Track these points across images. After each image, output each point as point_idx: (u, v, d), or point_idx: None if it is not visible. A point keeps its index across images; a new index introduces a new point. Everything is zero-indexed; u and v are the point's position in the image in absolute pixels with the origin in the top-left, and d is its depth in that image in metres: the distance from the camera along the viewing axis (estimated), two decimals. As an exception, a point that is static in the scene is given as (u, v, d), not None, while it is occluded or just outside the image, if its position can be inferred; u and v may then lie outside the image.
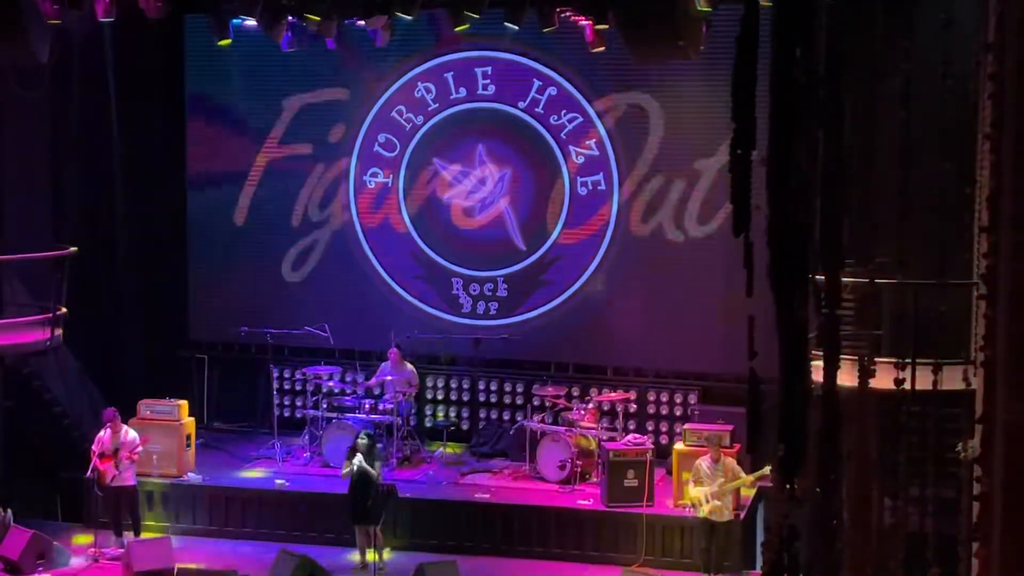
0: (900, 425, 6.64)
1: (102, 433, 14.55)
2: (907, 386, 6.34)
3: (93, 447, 14.46)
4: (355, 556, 14.28)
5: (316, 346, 17.33)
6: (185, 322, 18.41)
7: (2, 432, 15.58)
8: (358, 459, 13.93)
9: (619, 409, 16.25)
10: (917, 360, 6.70)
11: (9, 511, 14.49)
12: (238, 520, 15.37)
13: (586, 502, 15.01)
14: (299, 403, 18.00)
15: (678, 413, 16.81)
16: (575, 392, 16.94)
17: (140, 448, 14.55)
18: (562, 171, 17.04)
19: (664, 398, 16.94)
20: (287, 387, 18.13)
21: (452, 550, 14.53)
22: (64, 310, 15.40)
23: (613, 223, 16.87)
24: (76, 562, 14.32)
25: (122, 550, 14.15)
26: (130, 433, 14.64)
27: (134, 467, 14.55)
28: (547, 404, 16.31)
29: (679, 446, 15.16)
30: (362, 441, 14.15)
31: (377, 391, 16.83)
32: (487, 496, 15.26)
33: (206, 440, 17.23)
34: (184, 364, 18.19)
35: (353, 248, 17.83)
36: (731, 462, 13.89)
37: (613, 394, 16.40)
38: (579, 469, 15.48)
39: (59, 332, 15.36)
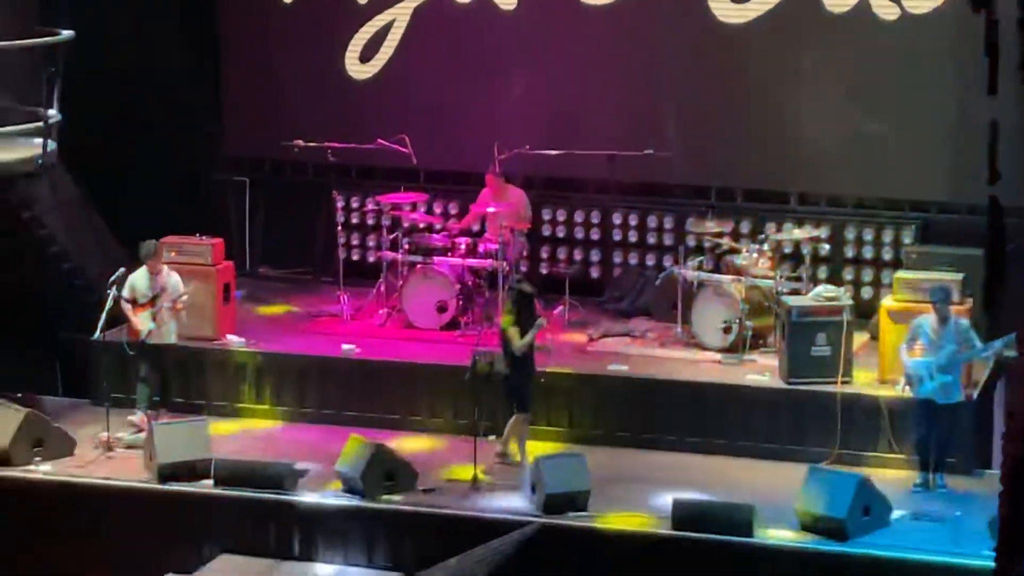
0: None
1: (136, 274, 14.92)
2: None
3: (124, 293, 14.83)
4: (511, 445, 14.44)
5: (394, 165, 17.45)
6: (219, 134, 18.64)
7: (-17, 279, 16.06)
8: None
9: (806, 251, 16.18)
10: None
11: (-6, 384, 15.01)
12: (294, 397, 15.73)
13: (759, 377, 15.08)
14: (372, 243, 18.22)
15: (887, 257, 16.73)
16: (745, 228, 16.93)
17: (185, 296, 14.91)
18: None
19: (868, 236, 16.84)
20: (355, 221, 18.34)
21: (578, 440, 14.75)
22: (58, 116, 15.66)
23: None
24: (83, 451, 14.78)
25: (142, 434, 14.58)
26: (173, 276, 15.00)
27: (177, 320, 14.95)
28: (706, 245, 16.31)
29: (888, 302, 15.10)
30: (525, 288, 14.22)
31: (476, 227, 16.93)
32: (624, 369, 15.41)
33: (250, 291, 17.57)
34: (218, 190, 18.47)
35: (443, 31, 17.81)
36: (964, 324, 13.82)
37: (798, 231, 16.31)
38: (749, 333, 15.52)
39: (53, 146, 15.64)
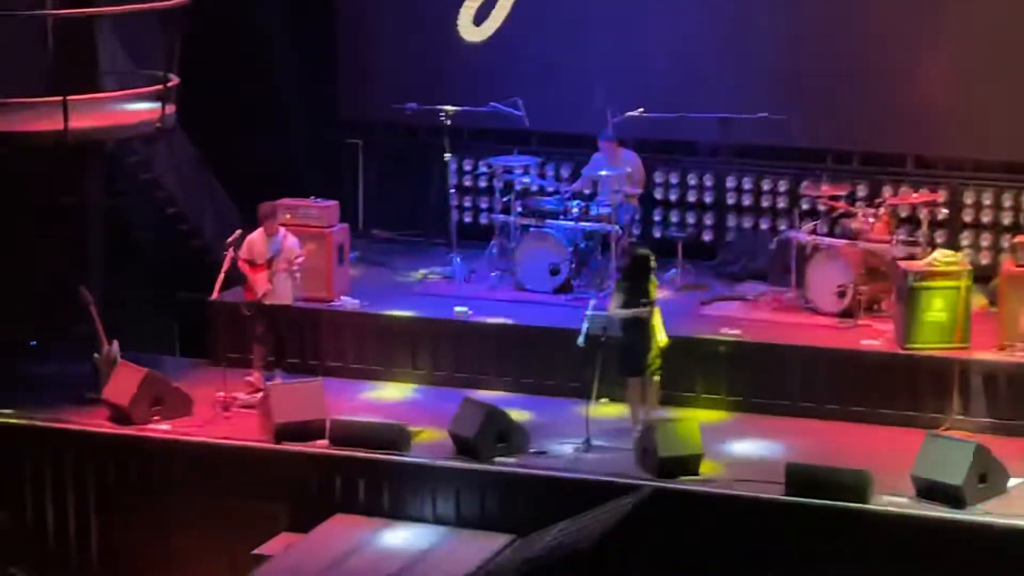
0: None
1: (254, 235, 15.10)
2: None
3: (241, 253, 15.01)
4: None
5: (507, 128, 17.46)
6: (333, 97, 18.73)
7: (104, 240, 16.24)
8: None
9: (923, 215, 16.02)
10: None
11: (115, 343, 15.18)
12: (406, 359, 15.81)
13: (874, 342, 14.96)
14: (484, 205, 18.25)
15: (1007, 221, 16.54)
16: (861, 192, 16.79)
17: (301, 258, 15.06)
18: None
19: (987, 200, 16.66)
20: (468, 183, 18.39)
21: (689, 403, 14.74)
22: (177, 80, 15.80)
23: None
24: (200, 410, 14.96)
25: (259, 395, 14.75)
26: (289, 238, 15.16)
27: (293, 281, 15.09)
28: (821, 208, 16.19)
29: (1007, 267, 14.93)
30: (642, 252, 14.17)
31: (588, 190, 16.91)
32: (737, 332, 15.33)
33: (363, 253, 17.68)
34: (333, 152, 18.57)
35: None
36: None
37: (915, 194, 16.14)
38: (865, 297, 15.40)
39: (172, 110, 15.79)
